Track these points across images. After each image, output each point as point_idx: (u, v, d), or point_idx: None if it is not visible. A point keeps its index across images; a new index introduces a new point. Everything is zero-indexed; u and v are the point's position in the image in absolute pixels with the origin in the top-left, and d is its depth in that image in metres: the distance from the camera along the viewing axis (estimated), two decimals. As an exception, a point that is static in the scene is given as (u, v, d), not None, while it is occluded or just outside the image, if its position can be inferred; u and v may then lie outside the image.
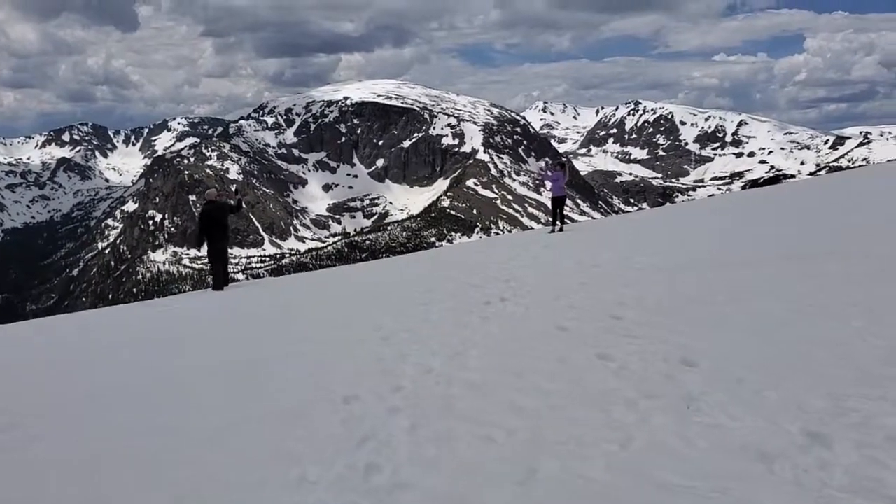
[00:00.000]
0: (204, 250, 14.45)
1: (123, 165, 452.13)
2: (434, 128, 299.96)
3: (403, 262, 18.60)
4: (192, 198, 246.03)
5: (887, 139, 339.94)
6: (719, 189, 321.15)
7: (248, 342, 7.57)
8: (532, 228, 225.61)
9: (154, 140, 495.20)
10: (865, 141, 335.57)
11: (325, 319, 8.63)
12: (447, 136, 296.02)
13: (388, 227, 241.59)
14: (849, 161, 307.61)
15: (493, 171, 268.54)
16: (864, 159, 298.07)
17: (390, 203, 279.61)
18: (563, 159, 18.39)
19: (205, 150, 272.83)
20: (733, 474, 3.09)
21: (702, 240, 12.24)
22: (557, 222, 18.15)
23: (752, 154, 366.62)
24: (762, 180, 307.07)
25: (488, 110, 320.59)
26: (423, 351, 5.85)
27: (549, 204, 18.95)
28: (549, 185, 18.56)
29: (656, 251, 10.55)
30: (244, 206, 15.53)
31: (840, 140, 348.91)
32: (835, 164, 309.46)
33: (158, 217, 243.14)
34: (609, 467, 3.31)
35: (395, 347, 6.12)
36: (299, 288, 14.52)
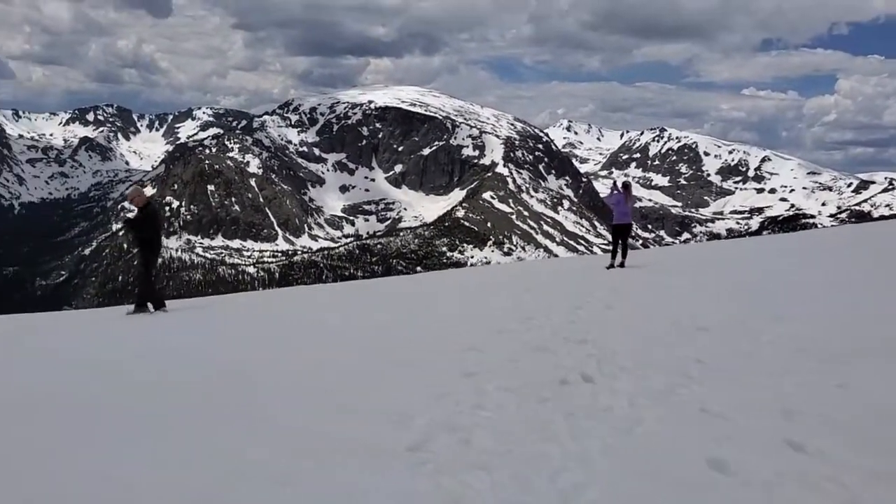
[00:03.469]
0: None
1: (145, 150, 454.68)
2: (455, 138, 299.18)
3: (427, 290, 15.34)
4: (211, 188, 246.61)
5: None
6: (738, 223, 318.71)
7: (161, 458, 3.96)
8: (548, 249, 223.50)
9: (178, 127, 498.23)
10: (890, 187, 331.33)
11: (313, 393, 5.50)
12: (468, 146, 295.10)
13: (401, 233, 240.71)
14: (871, 206, 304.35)
15: (511, 186, 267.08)
16: (887, 205, 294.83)
17: (405, 209, 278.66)
18: (626, 180, 15.52)
19: (227, 142, 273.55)
20: None
21: (826, 299, 8.88)
22: (619, 255, 15.34)
23: (773, 191, 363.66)
24: (781, 219, 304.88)
25: (511, 124, 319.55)
26: (489, 491, 3.34)
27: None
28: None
29: (776, 313, 7.69)
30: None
31: (864, 184, 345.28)
32: (857, 208, 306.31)
33: (175, 204, 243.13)
34: None
35: (438, 479, 3.48)
36: (280, 319, 11.18)
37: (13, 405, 5.47)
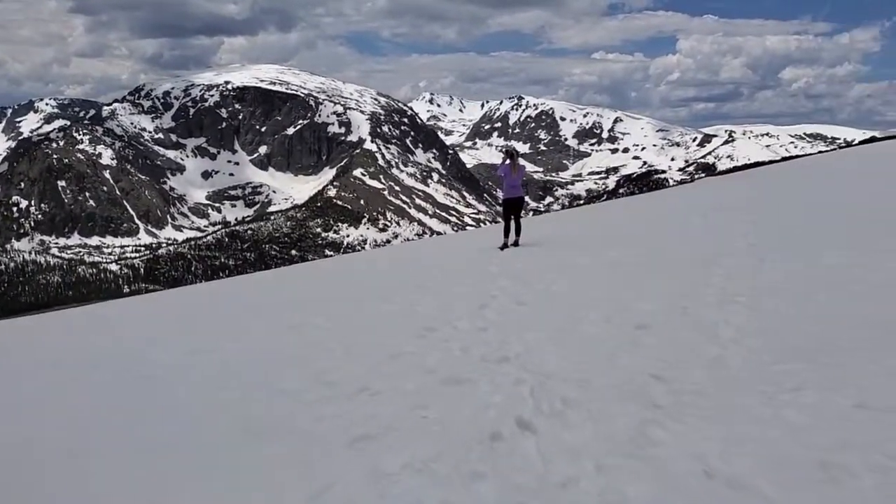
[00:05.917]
0: None
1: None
2: (320, 115, 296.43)
3: (290, 297, 12.47)
4: (62, 183, 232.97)
5: (749, 138, 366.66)
6: (596, 183, 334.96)
7: None
8: (421, 223, 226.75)
9: (19, 121, 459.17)
10: (730, 139, 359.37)
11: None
12: (333, 124, 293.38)
13: (272, 217, 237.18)
14: (715, 158, 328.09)
15: (381, 162, 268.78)
16: (728, 156, 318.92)
17: (273, 192, 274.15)
18: (511, 148, 13.32)
19: (76, 134, 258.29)
20: None
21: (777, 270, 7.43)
22: (512, 233, 13.28)
23: (626, 150, 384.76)
24: (636, 176, 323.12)
25: (375, 99, 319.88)
26: None
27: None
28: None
29: (721, 295, 6.49)
30: None
31: (707, 138, 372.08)
32: (703, 160, 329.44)
33: (24, 203, 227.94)
34: None
35: None
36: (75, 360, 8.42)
37: None
